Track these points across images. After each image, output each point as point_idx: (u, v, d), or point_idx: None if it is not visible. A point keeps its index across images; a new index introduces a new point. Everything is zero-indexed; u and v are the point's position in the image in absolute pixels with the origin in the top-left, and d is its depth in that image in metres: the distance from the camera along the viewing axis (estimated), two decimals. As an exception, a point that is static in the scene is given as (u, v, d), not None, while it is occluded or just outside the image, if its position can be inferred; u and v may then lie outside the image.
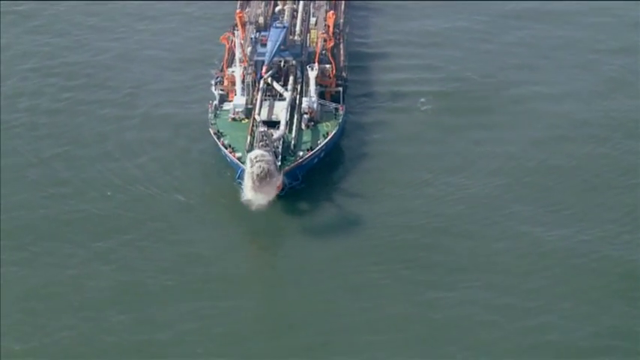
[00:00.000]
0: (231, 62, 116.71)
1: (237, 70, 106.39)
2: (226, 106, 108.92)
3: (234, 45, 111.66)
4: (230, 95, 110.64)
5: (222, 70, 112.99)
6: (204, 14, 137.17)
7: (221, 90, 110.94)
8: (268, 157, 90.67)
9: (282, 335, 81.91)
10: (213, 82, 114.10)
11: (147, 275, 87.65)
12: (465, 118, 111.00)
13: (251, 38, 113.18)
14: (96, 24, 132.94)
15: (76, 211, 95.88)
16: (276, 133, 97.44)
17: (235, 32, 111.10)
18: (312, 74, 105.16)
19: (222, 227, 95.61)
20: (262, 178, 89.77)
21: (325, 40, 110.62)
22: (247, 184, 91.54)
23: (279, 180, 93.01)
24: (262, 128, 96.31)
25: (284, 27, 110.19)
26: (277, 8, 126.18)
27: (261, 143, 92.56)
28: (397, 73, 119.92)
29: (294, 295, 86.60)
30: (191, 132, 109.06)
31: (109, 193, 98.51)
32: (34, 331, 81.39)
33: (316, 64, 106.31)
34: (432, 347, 79.91)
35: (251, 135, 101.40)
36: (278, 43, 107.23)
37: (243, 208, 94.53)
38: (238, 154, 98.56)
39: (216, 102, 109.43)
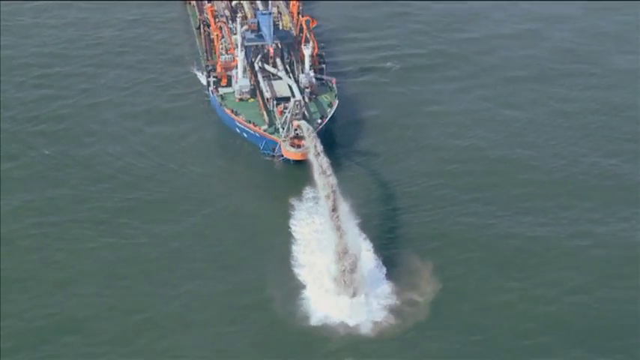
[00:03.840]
0: (210, 52, 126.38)
1: (239, 56, 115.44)
2: (221, 90, 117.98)
3: (219, 36, 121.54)
4: (223, 80, 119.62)
5: (212, 59, 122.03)
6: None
7: (214, 77, 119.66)
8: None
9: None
10: (201, 72, 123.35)
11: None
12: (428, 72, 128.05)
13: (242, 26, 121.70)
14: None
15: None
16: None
17: (228, 22, 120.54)
18: (307, 52, 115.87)
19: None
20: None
21: (308, 22, 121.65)
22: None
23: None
24: (294, 100, 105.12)
25: (270, 13, 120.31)
26: (234, 3, 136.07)
27: (297, 112, 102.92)
28: (363, 53, 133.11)
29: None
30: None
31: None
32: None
33: (311, 42, 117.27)
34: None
35: (266, 111, 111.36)
36: (272, 28, 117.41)
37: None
38: (264, 127, 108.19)
39: (212, 88, 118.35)
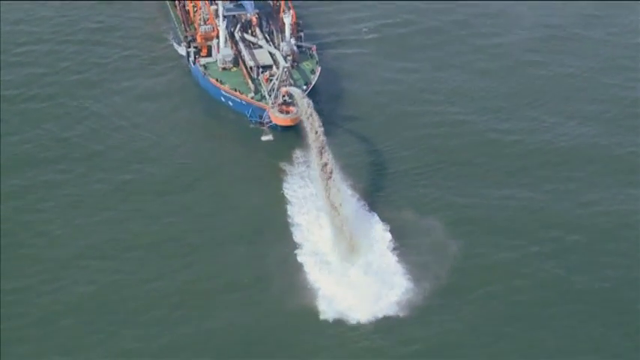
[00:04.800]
0: (187, 24, 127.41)
1: (221, 25, 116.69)
2: (203, 60, 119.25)
3: (198, 6, 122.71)
4: (203, 51, 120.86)
5: (190, 30, 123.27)
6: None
7: (195, 47, 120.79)
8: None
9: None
10: (179, 44, 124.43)
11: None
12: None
13: None
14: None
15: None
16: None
17: None
18: (288, 20, 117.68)
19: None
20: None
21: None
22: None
23: None
24: (283, 66, 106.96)
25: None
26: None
27: (284, 78, 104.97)
28: (337, 24, 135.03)
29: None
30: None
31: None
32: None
33: (291, 10, 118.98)
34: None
35: (250, 79, 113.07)
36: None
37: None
38: (250, 95, 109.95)
39: (193, 58, 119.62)
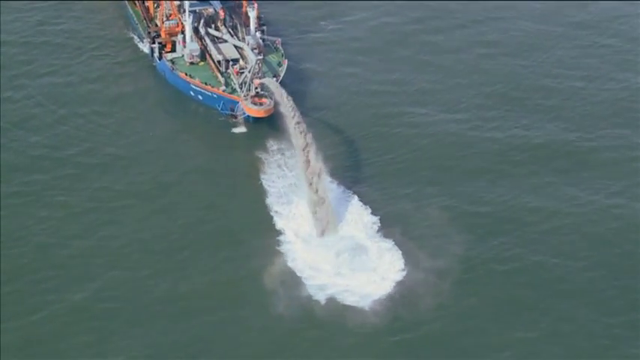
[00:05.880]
0: (148, 20, 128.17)
1: (187, 20, 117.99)
2: (169, 55, 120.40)
3: (162, 2, 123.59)
4: (167, 46, 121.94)
5: (155, 25, 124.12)
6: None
7: (159, 43, 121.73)
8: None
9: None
10: (141, 40, 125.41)
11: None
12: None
13: None
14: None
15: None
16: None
17: None
18: (252, 14, 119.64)
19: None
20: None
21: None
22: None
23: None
24: (256, 59, 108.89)
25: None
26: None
27: (256, 71, 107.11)
28: (296, 15, 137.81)
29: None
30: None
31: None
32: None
33: (255, 4, 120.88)
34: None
35: (219, 72, 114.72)
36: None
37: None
38: (222, 88, 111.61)
39: (158, 54, 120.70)
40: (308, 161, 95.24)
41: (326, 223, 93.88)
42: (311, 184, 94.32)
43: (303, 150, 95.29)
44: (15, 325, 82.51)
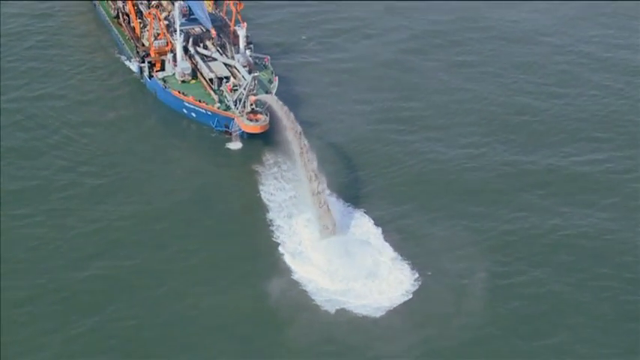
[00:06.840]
0: (135, 39, 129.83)
1: (178, 39, 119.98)
2: (160, 74, 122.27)
3: (152, 22, 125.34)
4: (157, 65, 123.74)
5: (143, 45, 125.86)
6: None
7: (149, 62, 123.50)
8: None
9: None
10: (129, 59, 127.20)
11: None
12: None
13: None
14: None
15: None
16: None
17: (159, 9, 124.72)
18: (242, 32, 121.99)
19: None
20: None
21: (236, 4, 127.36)
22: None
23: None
24: (252, 76, 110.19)
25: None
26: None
27: (252, 87, 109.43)
28: (278, 33, 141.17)
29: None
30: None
31: None
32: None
33: (244, 23, 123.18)
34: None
35: (212, 90, 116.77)
36: (206, 12, 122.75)
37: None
38: (217, 105, 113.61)
39: (148, 73, 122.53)
40: (308, 160, 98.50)
41: (329, 222, 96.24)
42: (311, 179, 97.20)
43: (301, 152, 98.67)
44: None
